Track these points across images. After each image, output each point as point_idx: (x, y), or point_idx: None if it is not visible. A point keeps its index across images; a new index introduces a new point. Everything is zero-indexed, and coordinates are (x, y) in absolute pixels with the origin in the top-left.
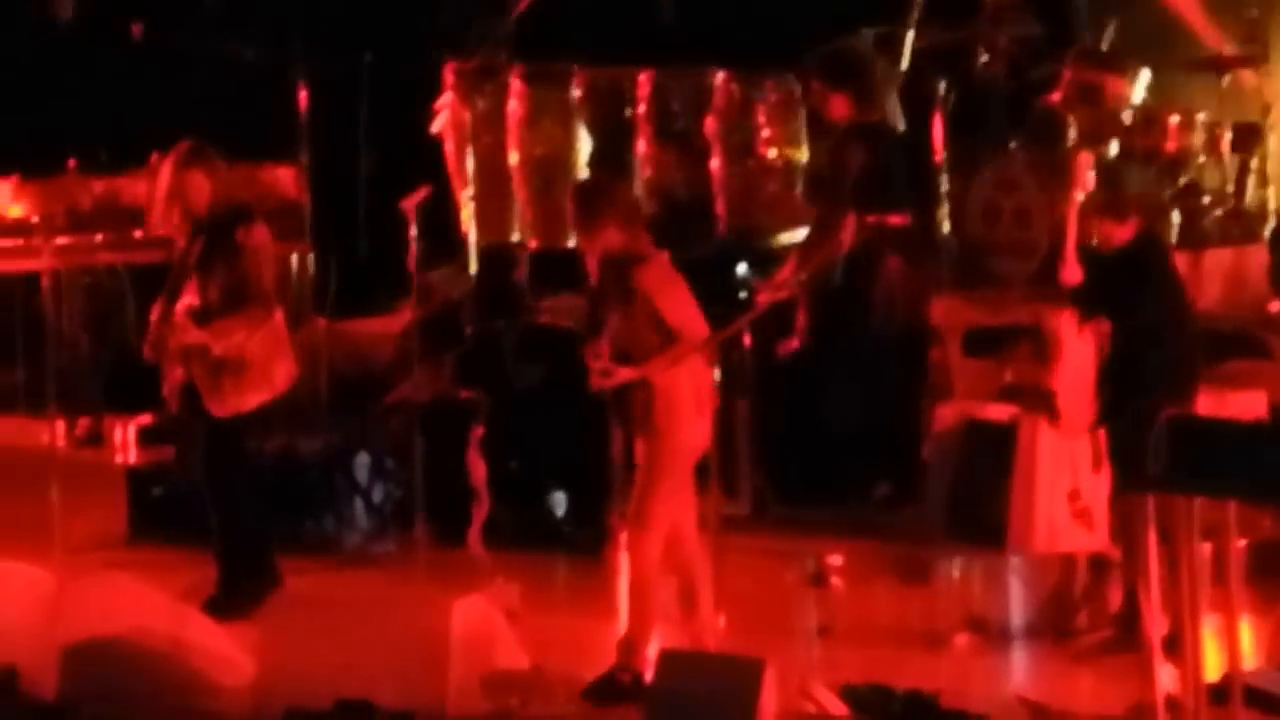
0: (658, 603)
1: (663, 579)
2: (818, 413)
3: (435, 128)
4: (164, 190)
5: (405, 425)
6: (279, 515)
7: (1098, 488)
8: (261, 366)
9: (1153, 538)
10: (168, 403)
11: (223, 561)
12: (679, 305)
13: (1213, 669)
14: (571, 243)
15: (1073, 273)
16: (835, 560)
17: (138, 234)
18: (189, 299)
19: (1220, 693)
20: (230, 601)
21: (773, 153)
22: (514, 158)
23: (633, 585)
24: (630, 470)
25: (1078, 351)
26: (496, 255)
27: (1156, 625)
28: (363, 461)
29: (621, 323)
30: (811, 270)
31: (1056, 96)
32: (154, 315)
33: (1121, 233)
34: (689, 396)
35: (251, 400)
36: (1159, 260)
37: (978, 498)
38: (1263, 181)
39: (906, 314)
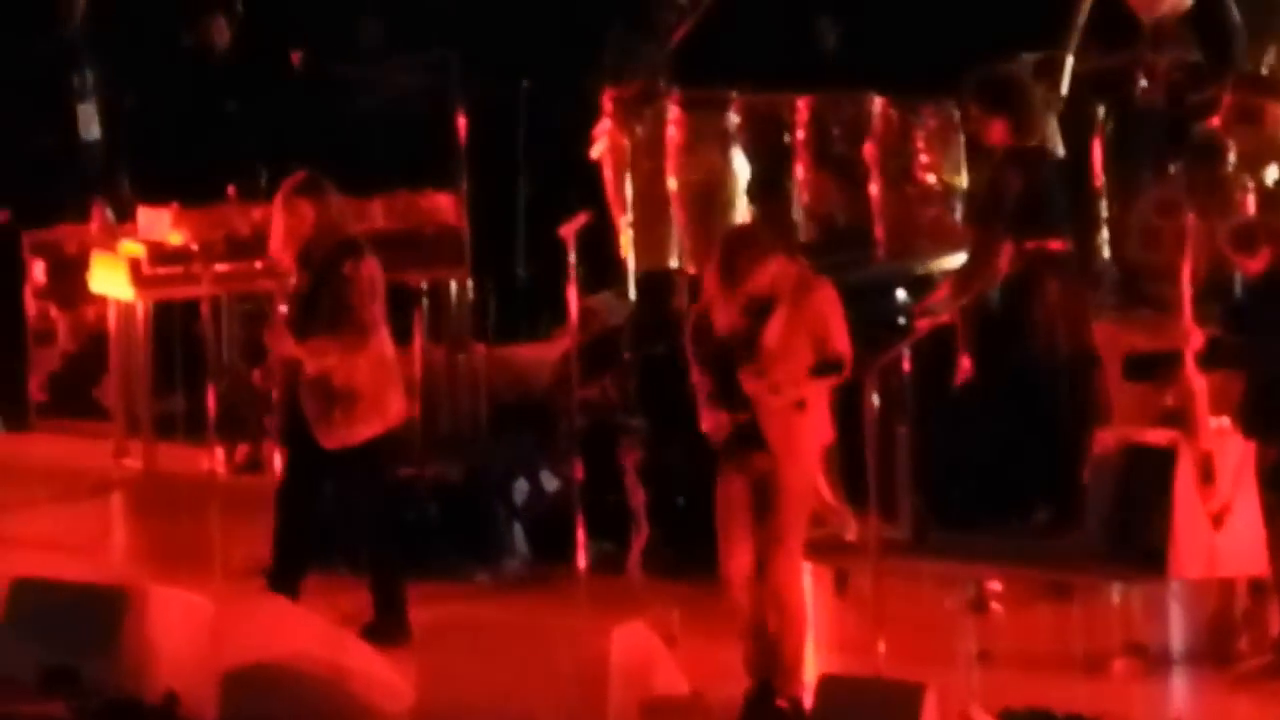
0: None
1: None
2: (977, 437)
3: (594, 153)
4: (279, 221)
5: (564, 451)
6: (437, 542)
7: (1257, 510)
8: (373, 399)
9: None
10: (272, 432)
11: (377, 588)
12: (844, 329)
13: None
14: None
15: (1195, 339)
16: (995, 585)
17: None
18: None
19: None
20: (388, 628)
21: (931, 178)
22: (672, 184)
23: (787, 610)
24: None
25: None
26: (655, 281)
27: None
28: (521, 487)
29: (780, 345)
30: (969, 295)
31: (1216, 120)
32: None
33: (1254, 265)
34: (829, 420)
35: (362, 432)
36: None
37: (1138, 522)
38: None
39: (1066, 339)
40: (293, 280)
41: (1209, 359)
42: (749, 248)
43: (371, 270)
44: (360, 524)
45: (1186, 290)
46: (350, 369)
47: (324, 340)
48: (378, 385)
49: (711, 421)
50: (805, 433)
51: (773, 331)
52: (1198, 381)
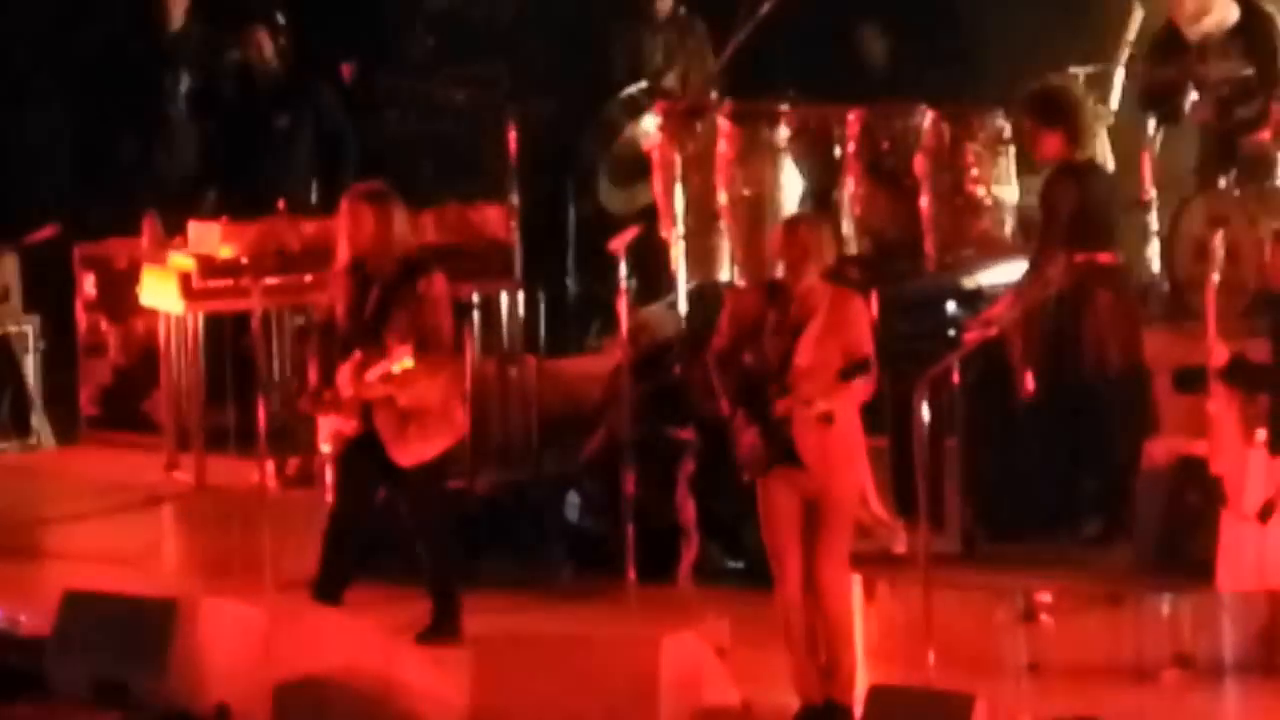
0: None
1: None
2: (1026, 449)
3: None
4: (343, 232)
5: (615, 463)
6: (487, 553)
7: None
8: (441, 412)
9: None
10: (330, 451)
11: (441, 597)
12: (870, 338)
13: None
14: None
15: (1218, 355)
16: (1044, 596)
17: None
18: (362, 351)
19: None
20: (443, 632)
21: (981, 191)
22: (722, 197)
23: (836, 622)
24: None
25: None
26: (705, 294)
27: None
28: (573, 500)
29: (814, 362)
30: (1021, 309)
31: (1266, 134)
32: (315, 368)
33: None
34: (860, 431)
35: (437, 446)
36: None
37: (1186, 533)
38: None
39: (1117, 352)
40: (340, 294)
41: (1232, 376)
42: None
43: (443, 285)
44: (427, 535)
45: (1211, 305)
46: (426, 387)
47: (413, 372)
48: (447, 400)
49: (745, 445)
50: (839, 446)
51: (805, 348)
52: (1219, 400)
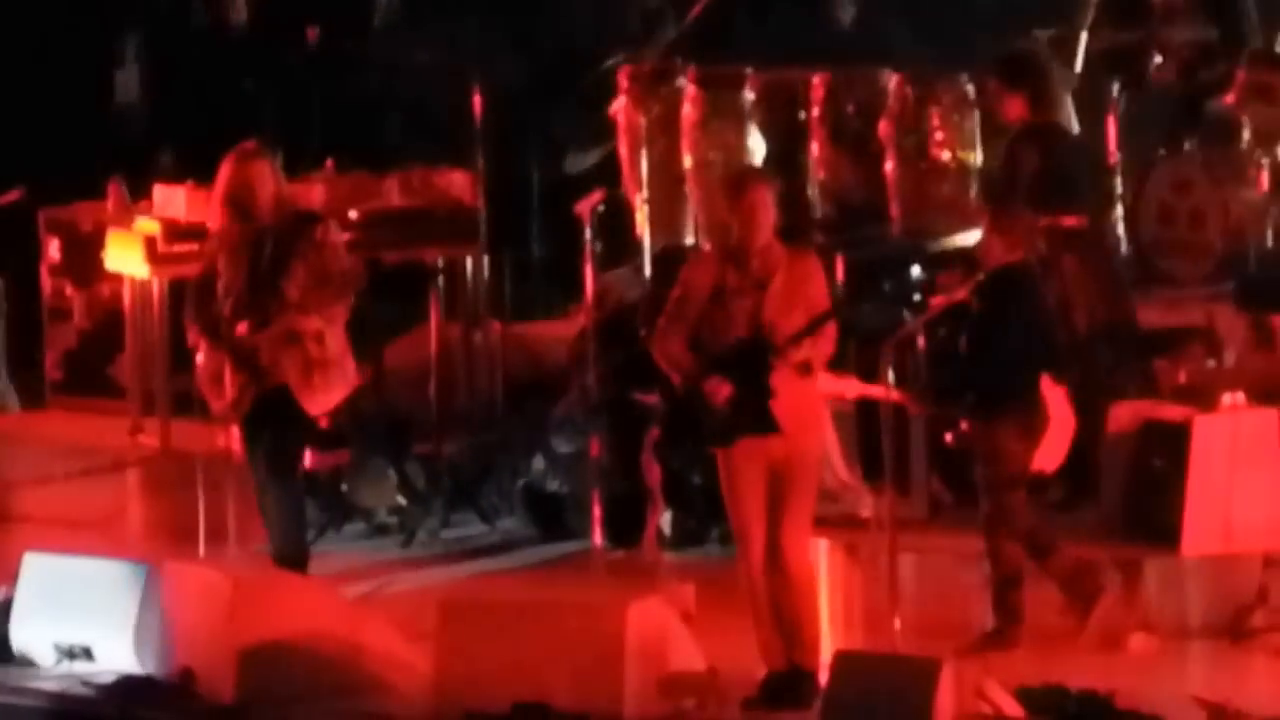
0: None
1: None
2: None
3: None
4: (223, 190)
5: (579, 428)
6: (455, 518)
7: (1274, 486)
8: (338, 362)
9: None
10: (215, 396)
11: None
12: (826, 294)
13: None
14: None
15: None
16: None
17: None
18: (261, 305)
19: None
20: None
21: (946, 155)
22: (688, 161)
23: (800, 587)
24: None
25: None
26: (670, 258)
27: None
28: (538, 465)
29: (779, 317)
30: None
31: (1230, 97)
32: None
33: None
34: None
35: (337, 395)
36: None
37: (1152, 498)
38: None
39: (1083, 315)
40: (227, 252)
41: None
42: (752, 179)
43: (339, 233)
44: (290, 486)
45: None
46: (328, 334)
47: (333, 309)
48: (342, 348)
49: (716, 409)
50: (809, 405)
51: (770, 305)
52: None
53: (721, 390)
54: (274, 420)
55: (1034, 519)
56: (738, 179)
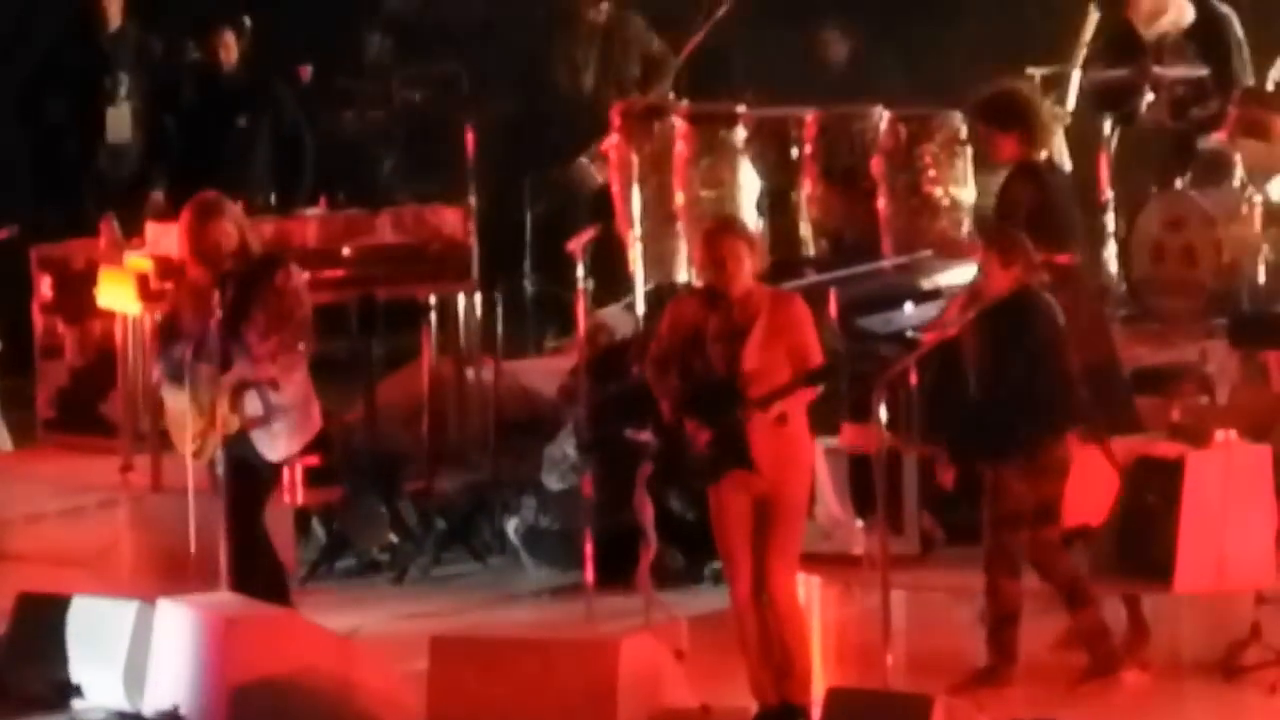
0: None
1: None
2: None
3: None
4: (185, 243)
5: (572, 465)
6: (447, 555)
7: (1267, 523)
8: (302, 409)
9: None
10: (180, 438)
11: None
12: (816, 340)
13: None
14: None
15: None
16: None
17: (306, 275)
18: (224, 352)
19: None
20: None
21: (939, 191)
22: (680, 198)
23: (789, 623)
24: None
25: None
26: (663, 295)
27: None
28: (530, 502)
29: (760, 364)
30: (977, 309)
31: (1222, 135)
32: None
33: None
34: (809, 434)
35: (298, 443)
36: None
37: (1145, 534)
38: None
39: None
40: (189, 301)
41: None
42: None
43: (300, 279)
44: (252, 529)
45: None
46: (288, 380)
47: (288, 356)
48: (306, 395)
49: (698, 451)
50: (790, 447)
51: (751, 353)
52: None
53: (700, 436)
54: (235, 466)
55: (1077, 569)
56: (712, 232)
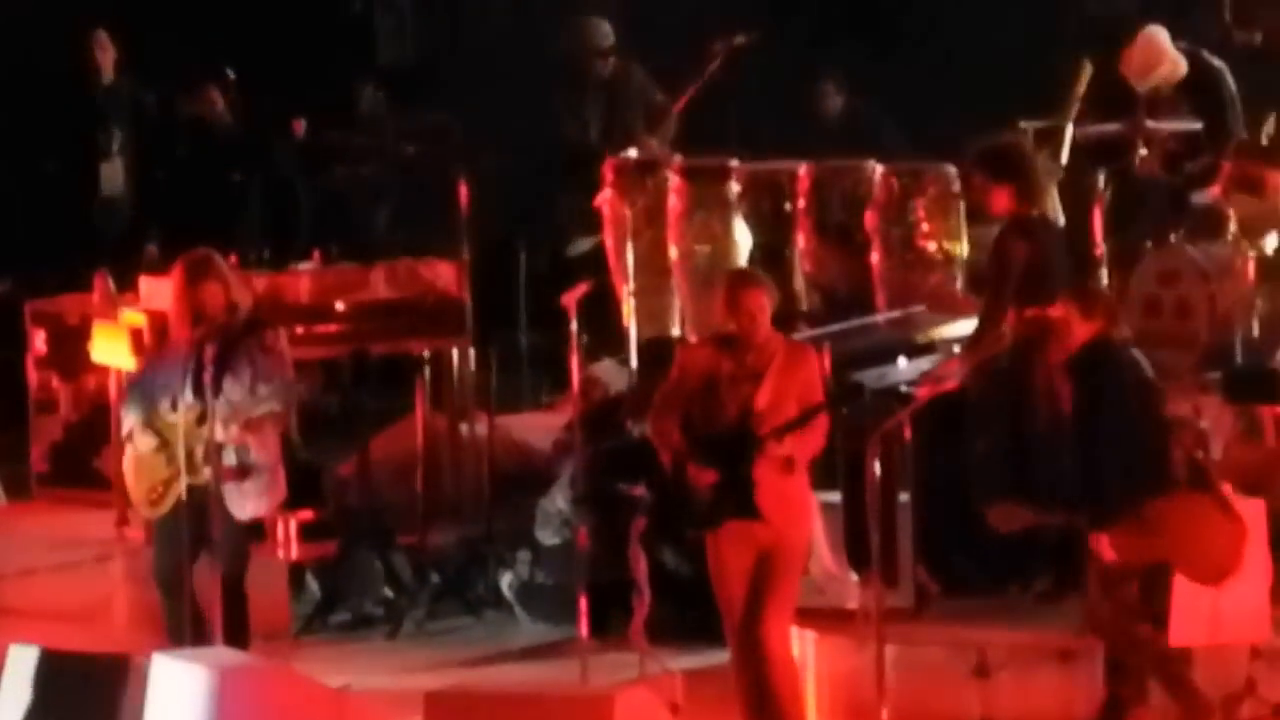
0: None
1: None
2: (979, 505)
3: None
4: (176, 302)
5: (566, 519)
6: (442, 609)
7: (1262, 578)
8: (273, 471)
9: None
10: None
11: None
12: (821, 389)
13: None
14: None
15: None
16: (998, 651)
17: (299, 329)
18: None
19: None
20: None
21: (932, 246)
22: (673, 252)
23: (785, 674)
24: None
25: None
26: (657, 349)
27: None
28: (524, 556)
29: (770, 408)
30: (973, 364)
31: (1216, 189)
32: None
33: None
34: (810, 490)
35: (265, 505)
36: None
37: (1141, 587)
38: None
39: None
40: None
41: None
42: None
43: (285, 340)
44: (237, 592)
45: None
46: (264, 440)
47: (264, 420)
48: (277, 455)
49: (700, 496)
50: (795, 496)
51: (764, 395)
52: None
53: (705, 476)
54: (197, 521)
55: (1173, 651)
56: (735, 282)
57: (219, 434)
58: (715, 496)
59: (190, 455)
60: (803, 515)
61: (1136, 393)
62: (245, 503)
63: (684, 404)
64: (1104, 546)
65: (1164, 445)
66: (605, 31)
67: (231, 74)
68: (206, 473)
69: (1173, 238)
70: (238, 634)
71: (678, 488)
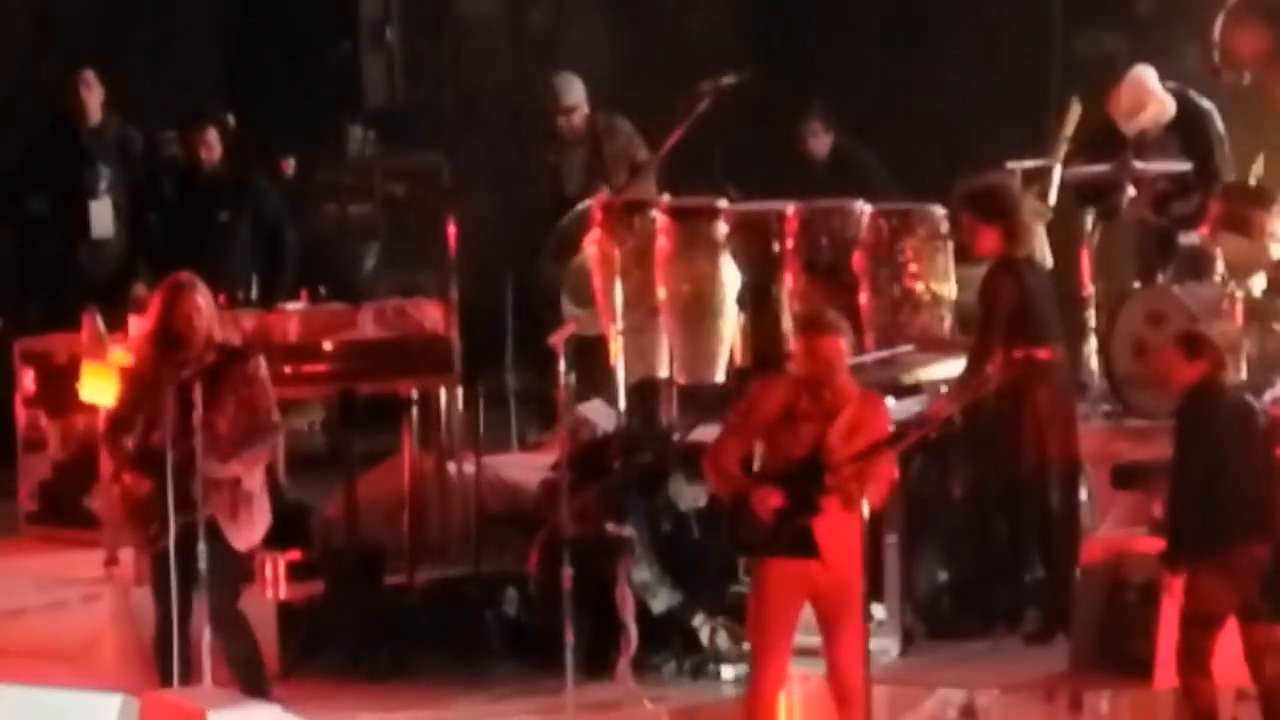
0: None
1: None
2: (966, 546)
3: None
4: (154, 323)
5: (553, 559)
6: (428, 650)
7: None
8: (260, 498)
9: None
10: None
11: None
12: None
13: None
14: (719, 378)
15: None
16: (985, 693)
17: (287, 369)
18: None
19: None
20: None
21: (920, 286)
22: (661, 293)
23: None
24: None
25: None
26: (645, 390)
27: None
28: (511, 596)
29: (842, 443)
30: (961, 405)
31: (1204, 230)
32: (145, 442)
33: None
34: None
35: (259, 532)
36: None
37: (1126, 630)
38: None
39: (1057, 447)
40: (153, 384)
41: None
42: (829, 329)
43: (267, 370)
44: (234, 622)
45: None
46: (254, 470)
47: (255, 451)
48: (264, 485)
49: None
50: (854, 540)
51: (836, 434)
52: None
53: (771, 499)
54: (196, 555)
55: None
56: (810, 329)
57: (213, 470)
58: (776, 524)
59: (182, 491)
60: (860, 559)
61: (1239, 439)
62: (240, 533)
63: (755, 435)
64: (1175, 589)
65: (1261, 489)
66: (572, 88)
67: (231, 119)
68: (201, 507)
69: (1160, 278)
70: (250, 667)
71: (732, 516)
